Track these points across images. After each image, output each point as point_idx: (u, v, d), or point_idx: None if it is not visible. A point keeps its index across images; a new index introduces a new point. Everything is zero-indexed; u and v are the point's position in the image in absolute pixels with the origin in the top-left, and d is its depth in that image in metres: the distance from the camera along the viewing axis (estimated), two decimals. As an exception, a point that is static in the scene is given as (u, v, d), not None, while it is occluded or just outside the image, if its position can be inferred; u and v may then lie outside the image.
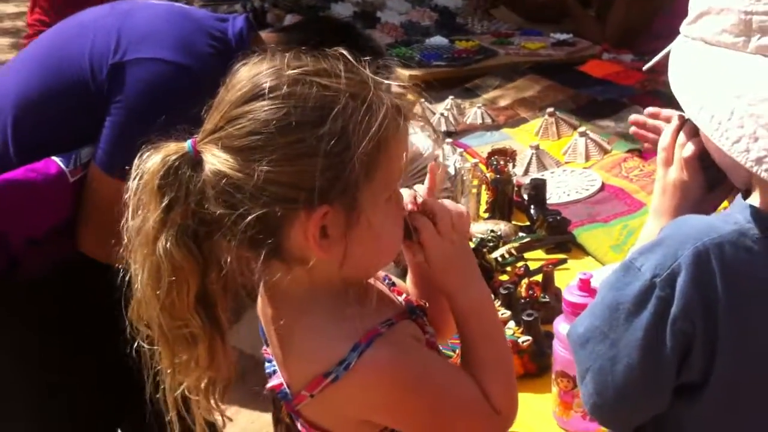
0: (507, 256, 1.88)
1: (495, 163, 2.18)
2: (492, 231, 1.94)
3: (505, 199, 2.10)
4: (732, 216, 0.97)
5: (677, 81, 0.99)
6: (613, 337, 1.00)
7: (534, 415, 1.45)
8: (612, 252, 1.91)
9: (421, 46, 3.53)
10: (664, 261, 0.95)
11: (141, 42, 1.64)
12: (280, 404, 1.13)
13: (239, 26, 1.69)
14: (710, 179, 1.16)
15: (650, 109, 1.30)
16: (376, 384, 1.01)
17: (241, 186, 0.95)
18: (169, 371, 1.03)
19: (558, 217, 2.00)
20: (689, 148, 1.14)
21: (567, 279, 1.74)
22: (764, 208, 0.95)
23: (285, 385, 1.08)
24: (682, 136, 1.16)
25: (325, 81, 0.97)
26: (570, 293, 1.38)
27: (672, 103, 1.06)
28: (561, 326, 1.38)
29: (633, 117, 1.35)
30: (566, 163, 2.41)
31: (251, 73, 1.00)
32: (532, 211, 2.07)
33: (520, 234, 2.00)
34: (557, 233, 1.99)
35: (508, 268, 1.85)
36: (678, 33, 1.14)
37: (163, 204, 0.97)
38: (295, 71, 0.98)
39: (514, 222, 2.08)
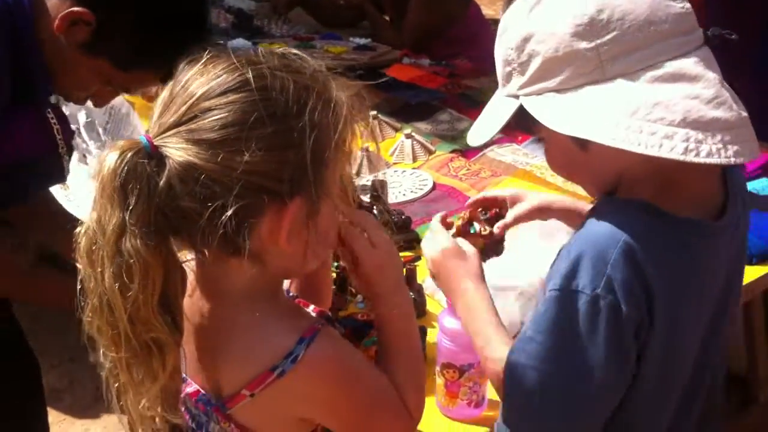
0: (362, 256, 1.94)
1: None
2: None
3: (348, 201, 2.15)
4: (622, 214, 1.07)
5: (567, 127, 1.04)
6: (577, 366, 1.06)
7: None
8: (456, 247, 2.02)
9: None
10: (597, 271, 1.03)
11: None
12: (196, 413, 1.10)
13: None
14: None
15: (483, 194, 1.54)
16: (321, 376, 1.03)
17: (217, 178, 0.94)
18: (131, 384, 0.98)
19: (403, 216, 2.09)
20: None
21: (421, 275, 1.84)
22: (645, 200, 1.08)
23: (204, 391, 1.06)
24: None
25: (295, 76, 0.98)
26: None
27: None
28: (446, 320, 1.45)
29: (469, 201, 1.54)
30: (395, 164, 2.51)
31: (217, 68, 0.98)
32: (375, 212, 2.14)
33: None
34: (403, 232, 2.08)
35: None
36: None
37: (126, 202, 0.93)
38: (263, 66, 0.98)
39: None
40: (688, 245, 1.07)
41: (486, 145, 2.58)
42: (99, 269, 0.95)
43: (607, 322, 1.03)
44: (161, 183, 0.94)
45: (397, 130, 2.71)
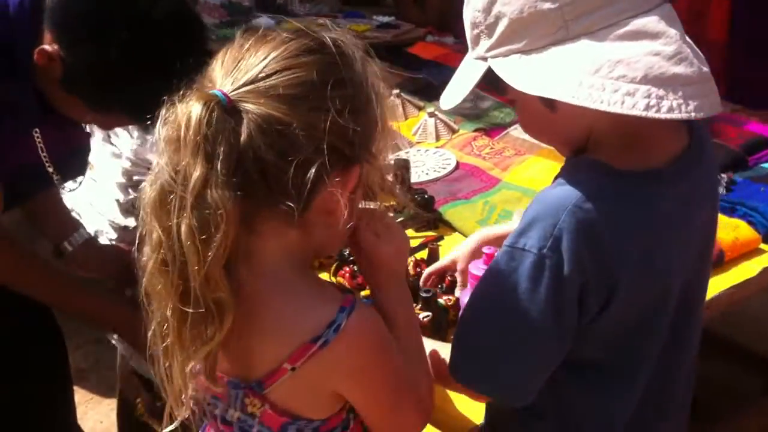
0: (384, 235, 1.93)
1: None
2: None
3: (370, 180, 2.14)
4: (578, 176, 1.08)
5: (532, 87, 1.05)
6: (516, 320, 1.08)
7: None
8: (479, 227, 2.00)
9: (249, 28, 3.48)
10: (545, 233, 1.05)
11: None
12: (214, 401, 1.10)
13: None
14: None
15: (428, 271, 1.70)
16: (361, 345, 1.03)
17: (297, 133, 0.94)
18: (179, 346, 0.98)
19: (425, 196, 2.08)
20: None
21: (443, 254, 1.82)
22: (604, 160, 1.09)
23: (231, 375, 1.05)
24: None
25: (353, 50, 1.01)
26: (476, 267, 1.45)
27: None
28: (467, 299, 1.44)
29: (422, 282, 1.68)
30: (418, 143, 2.49)
31: (283, 34, 0.99)
32: (398, 191, 2.12)
33: (391, 214, 2.05)
34: (425, 211, 2.06)
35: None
36: None
37: (216, 151, 0.93)
38: (332, 33, 1.00)
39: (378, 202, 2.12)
40: (648, 199, 1.08)
41: (510, 124, 2.57)
42: (176, 220, 0.94)
43: (549, 280, 1.05)
44: (243, 135, 0.94)
45: (420, 108, 2.69)
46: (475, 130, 2.53)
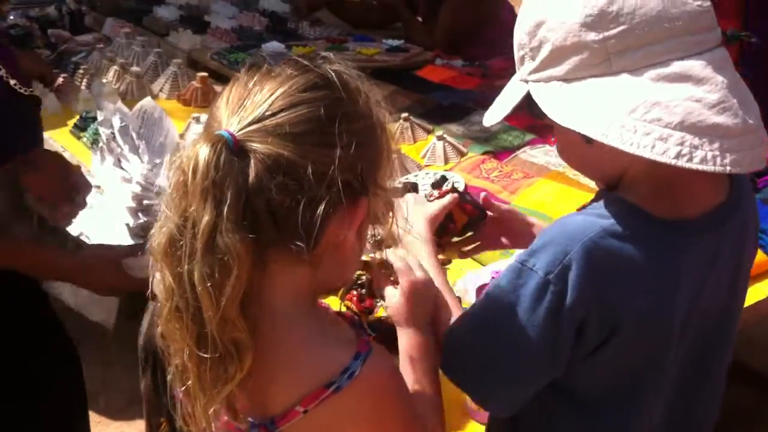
0: (392, 258, 1.93)
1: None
2: (373, 235, 1.97)
3: (378, 204, 2.15)
4: (605, 210, 1.07)
5: (565, 118, 1.04)
6: (510, 334, 1.08)
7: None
8: (487, 250, 2.01)
9: (259, 52, 3.50)
10: (555, 258, 1.04)
11: None
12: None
13: None
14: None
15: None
16: (375, 393, 1.01)
17: (306, 171, 0.93)
18: (201, 389, 0.97)
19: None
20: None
21: (451, 277, 1.82)
22: (634, 201, 1.07)
23: (246, 414, 1.03)
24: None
25: (356, 82, 1.01)
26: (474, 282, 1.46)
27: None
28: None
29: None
30: (426, 166, 2.50)
31: (287, 70, 0.98)
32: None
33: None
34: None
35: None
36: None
37: (223, 196, 0.91)
38: (335, 66, 1.00)
39: (387, 225, 2.13)
40: (670, 248, 1.06)
41: (518, 147, 2.57)
42: (187, 266, 0.93)
43: (549, 305, 1.04)
44: (251, 177, 0.93)
45: (429, 131, 2.70)
46: (484, 153, 2.53)
